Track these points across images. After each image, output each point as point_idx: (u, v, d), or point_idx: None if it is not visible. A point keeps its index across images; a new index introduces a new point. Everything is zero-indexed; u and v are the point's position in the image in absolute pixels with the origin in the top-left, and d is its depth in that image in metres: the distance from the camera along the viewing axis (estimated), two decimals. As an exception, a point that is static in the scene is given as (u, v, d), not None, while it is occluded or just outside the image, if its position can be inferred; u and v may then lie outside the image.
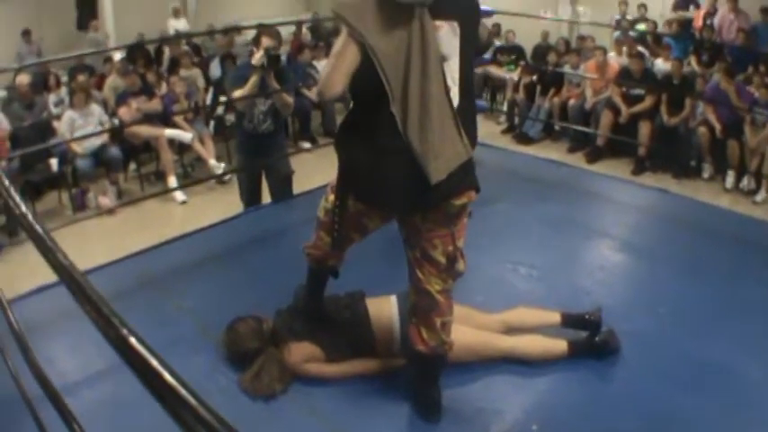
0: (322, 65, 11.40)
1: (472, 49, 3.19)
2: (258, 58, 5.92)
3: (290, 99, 6.21)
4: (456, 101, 3.04)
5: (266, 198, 6.56)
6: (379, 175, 3.12)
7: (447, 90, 3.00)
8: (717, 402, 3.69)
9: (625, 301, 4.70)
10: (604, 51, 11.53)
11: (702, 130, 10.16)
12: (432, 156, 2.96)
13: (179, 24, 15.70)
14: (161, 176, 9.55)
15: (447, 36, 3.00)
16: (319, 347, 3.71)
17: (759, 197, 9.69)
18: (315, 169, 7.37)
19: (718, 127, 9.93)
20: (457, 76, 3.06)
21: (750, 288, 4.92)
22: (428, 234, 3.23)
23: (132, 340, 1.41)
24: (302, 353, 3.69)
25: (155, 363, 1.34)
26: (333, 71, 2.90)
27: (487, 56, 12.61)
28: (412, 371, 3.63)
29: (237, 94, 6.06)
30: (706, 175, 10.40)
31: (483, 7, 7.26)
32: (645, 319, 4.41)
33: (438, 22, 2.95)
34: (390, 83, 2.89)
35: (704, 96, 10.34)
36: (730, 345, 4.19)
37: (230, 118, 10.30)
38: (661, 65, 11.66)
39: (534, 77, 12.14)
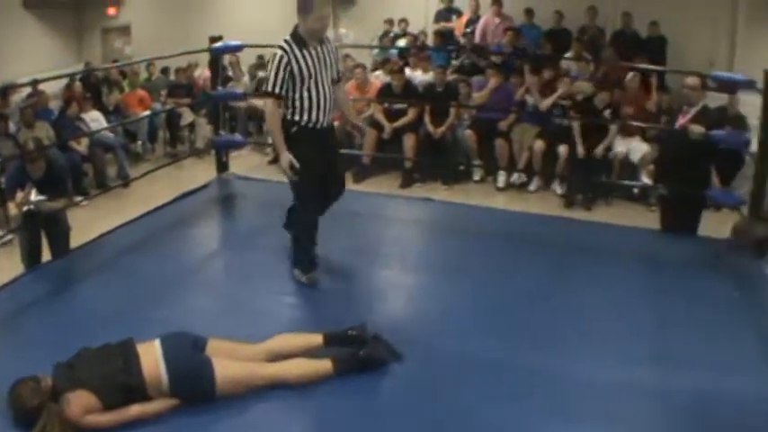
0: (90, 116, 11.34)
1: None
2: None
3: (58, 206, 6.26)
4: None
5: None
6: None
7: None
8: (491, 399, 3.94)
9: (393, 312, 4.96)
10: (364, 68, 11.74)
11: (469, 133, 10.71)
12: None
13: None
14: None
15: None
16: (95, 395, 3.74)
17: (532, 186, 10.51)
18: (89, 221, 7.45)
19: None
20: None
21: (520, 281, 5.32)
22: None
23: None
24: (80, 403, 3.70)
25: None
26: None
27: (251, 89, 12.74)
28: None
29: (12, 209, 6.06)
30: (477, 177, 10.92)
31: (231, 43, 7.46)
32: (413, 328, 4.64)
33: None
34: None
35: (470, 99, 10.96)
36: (501, 340, 4.49)
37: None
38: (421, 76, 12.10)
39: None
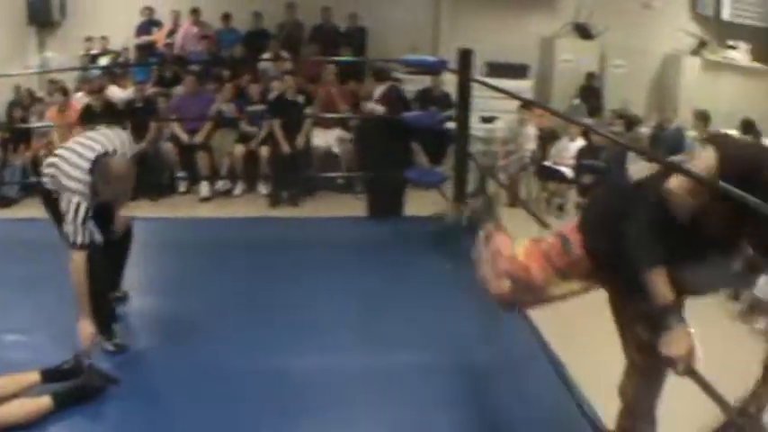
0: None
1: None
2: None
3: None
4: None
5: None
6: None
7: None
8: (210, 408, 3.92)
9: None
10: (64, 92, 11.22)
11: (170, 145, 10.64)
12: None
13: None
14: None
15: None
16: None
17: (237, 191, 10.68)
18: None
19: (185, 138, 10.60)
20: None
21: (230, 284, 5.36)
22: None
23: None
24: None
25: None
26: None
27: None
28: None
29: None
30: (182, 189, 10.81)
31: None
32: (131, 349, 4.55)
33: None
34: None
35: (169, 112, 11.00)
36: (216, 345, 4.52)
37: None
38: (120, 93, 11.79)
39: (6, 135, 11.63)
